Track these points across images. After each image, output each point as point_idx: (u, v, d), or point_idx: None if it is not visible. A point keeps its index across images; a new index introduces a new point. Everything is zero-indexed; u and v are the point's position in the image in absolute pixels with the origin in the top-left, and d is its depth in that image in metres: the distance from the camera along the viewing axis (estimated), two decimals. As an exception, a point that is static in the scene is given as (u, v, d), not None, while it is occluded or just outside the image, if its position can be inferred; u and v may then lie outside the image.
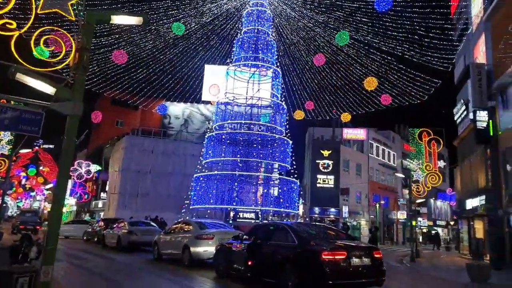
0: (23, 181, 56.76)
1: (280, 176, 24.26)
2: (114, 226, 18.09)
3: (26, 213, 29.76)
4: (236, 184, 23.43)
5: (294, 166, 24.62)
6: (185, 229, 12.69)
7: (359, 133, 49.65)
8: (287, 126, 25.49)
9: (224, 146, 24.27)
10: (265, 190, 24.10)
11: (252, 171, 25.05)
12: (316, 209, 40.60)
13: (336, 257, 6.96)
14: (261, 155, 23.95)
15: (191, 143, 36.94)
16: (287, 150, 24.85)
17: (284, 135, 25.13)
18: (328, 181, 42.04)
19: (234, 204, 23.27)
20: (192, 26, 27.57)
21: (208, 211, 23.78)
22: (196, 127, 42.00)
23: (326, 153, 42.71)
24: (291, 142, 25.26)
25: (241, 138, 24.16)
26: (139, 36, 28.27)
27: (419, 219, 55.89)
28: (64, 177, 6.10)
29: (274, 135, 24.63)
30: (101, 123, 43.69)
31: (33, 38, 6.85)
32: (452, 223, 52.34)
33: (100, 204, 37.93)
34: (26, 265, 6.29)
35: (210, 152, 24.91)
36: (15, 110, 5.91)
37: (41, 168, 52.09)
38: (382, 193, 50.21)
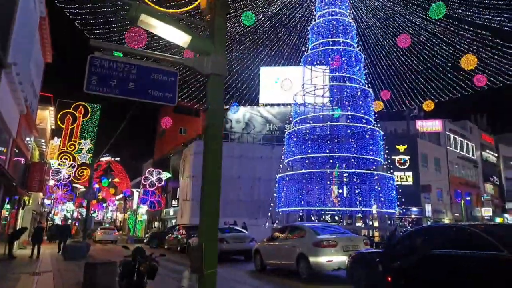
0: (96, 193, 58.96)
1: (377, 172, 21.45)
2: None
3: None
4: (328, 182, 21.06)
5: (389, 160, 21.71)
6: (295, 235, 10.73)
7: (435, 125, 45.44)
8: (375, 115, 22.68)
9: (309, 142, 22.01)
10: (359, 188, 21.31)
11: (339, 167, 22.52)
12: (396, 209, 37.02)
13: None
14: (353, 150, 21.30)
15: (258, 145, 35.97)
16: (379, 141, 22.01)
17: (373, 125, 22.33)
18: (406, 178, 38.50)
19: (329, 205, 20.84)
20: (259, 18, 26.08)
21: (301, 213, 21.62)
22: (258, 130, 40.59)
23: (401, 148, 39.28)
24: (382, 133, 22.35)
25: (328, 132, 21.78)
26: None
27: (505, 215, 49.86)
28: (215, 166, 3.96)
29: (364, 125, 21.92)
30: (165, 131, 43.90)
31: None
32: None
33: (171, 212, 37.63)
34: None
35: (292, 149, 22.79)
36: (144, 68, 3.98)
37: (110, 179, 53.70)
38: (463, 189, 45.52)
